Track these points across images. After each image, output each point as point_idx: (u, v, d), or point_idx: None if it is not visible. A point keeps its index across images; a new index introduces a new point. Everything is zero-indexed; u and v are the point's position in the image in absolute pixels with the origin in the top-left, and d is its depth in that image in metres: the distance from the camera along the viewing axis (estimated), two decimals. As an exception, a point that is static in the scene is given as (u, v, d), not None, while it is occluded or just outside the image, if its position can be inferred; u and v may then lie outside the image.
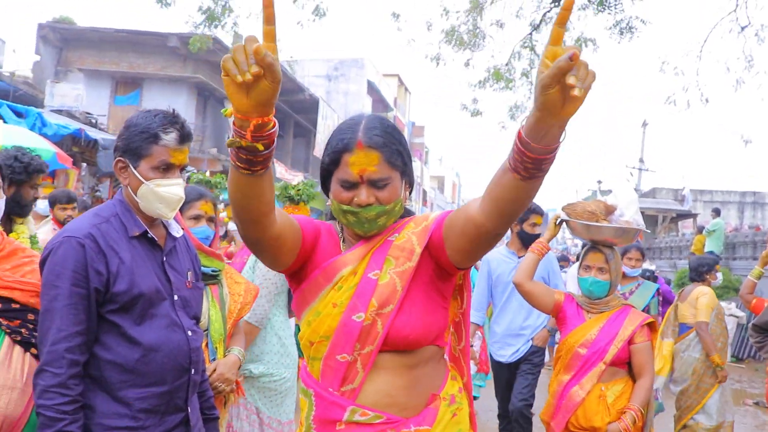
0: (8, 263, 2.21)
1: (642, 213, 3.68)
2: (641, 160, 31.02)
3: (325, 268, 1.75)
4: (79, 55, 20.07)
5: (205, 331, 2.72)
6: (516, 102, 11.36)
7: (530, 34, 10.61)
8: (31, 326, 2.15)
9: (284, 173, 20.79)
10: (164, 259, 2.10)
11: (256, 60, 1.21)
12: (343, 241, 1.83)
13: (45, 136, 9.25)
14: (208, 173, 11.85)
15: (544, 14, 10.40)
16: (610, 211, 3.38)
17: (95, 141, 11.28)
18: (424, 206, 45.61)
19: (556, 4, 10.29)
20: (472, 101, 11.46)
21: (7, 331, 2.10)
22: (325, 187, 1.80)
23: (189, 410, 2.09)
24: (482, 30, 10.53)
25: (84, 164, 12.13)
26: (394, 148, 1.70)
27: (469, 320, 1.97)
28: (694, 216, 25.53)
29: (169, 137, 2.03)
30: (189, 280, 2.18)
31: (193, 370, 2.09)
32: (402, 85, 39.08)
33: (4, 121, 8.88)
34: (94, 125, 14.56)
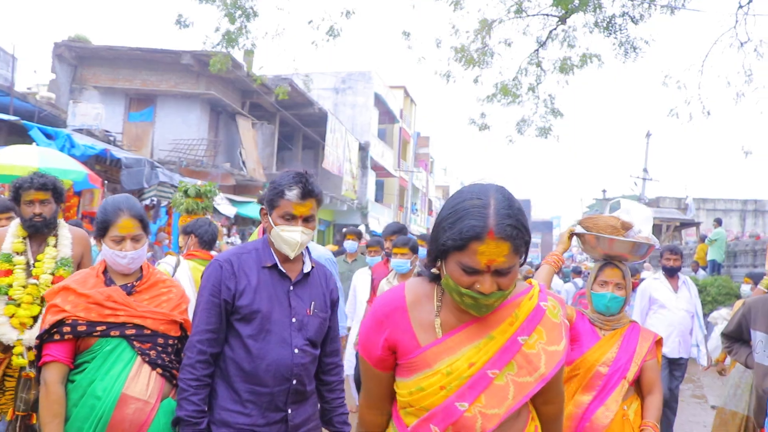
0: (148, 294, 2.68)
1: (647, 222, 3.72)
2: (645, 170, 31.17)
3: (425, 354, 1.76)
4: (94, 72, 20.41)
5: None
6: (523, 116, 11.63)
7: (536, 50, 10.94)
8: (159, 349, 2.61)
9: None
10: (291, 288, 2.56)
11: None
12: (437, 314, 1.81)
13: (74, 156, 9.64)
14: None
15: (550, 32, 10.72)
16: (626, 227, 3.33)
17: (119, 160, 11.70)
18: (429, 216, 45.81)
19: (562, 22, 10.65)
20: (480, 116, 11.77)
21: (139, 352, 2.56)
22: (433, 256, 1.77)
23: (288, 411, 2.51)
24: (490, 48, 10.87)
25: (106, 182, 12.51)
26: (522, 238, 1.65)
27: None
28: (697, 224, 25.89)
29: (292, 193, 2.50)
30: (310, 308, 2.60)
31: (294, 381, 2.50)
32: (408, 96, 39.36)
33: (37, 144, 9.29)
34: (113, 143, 14.98)
